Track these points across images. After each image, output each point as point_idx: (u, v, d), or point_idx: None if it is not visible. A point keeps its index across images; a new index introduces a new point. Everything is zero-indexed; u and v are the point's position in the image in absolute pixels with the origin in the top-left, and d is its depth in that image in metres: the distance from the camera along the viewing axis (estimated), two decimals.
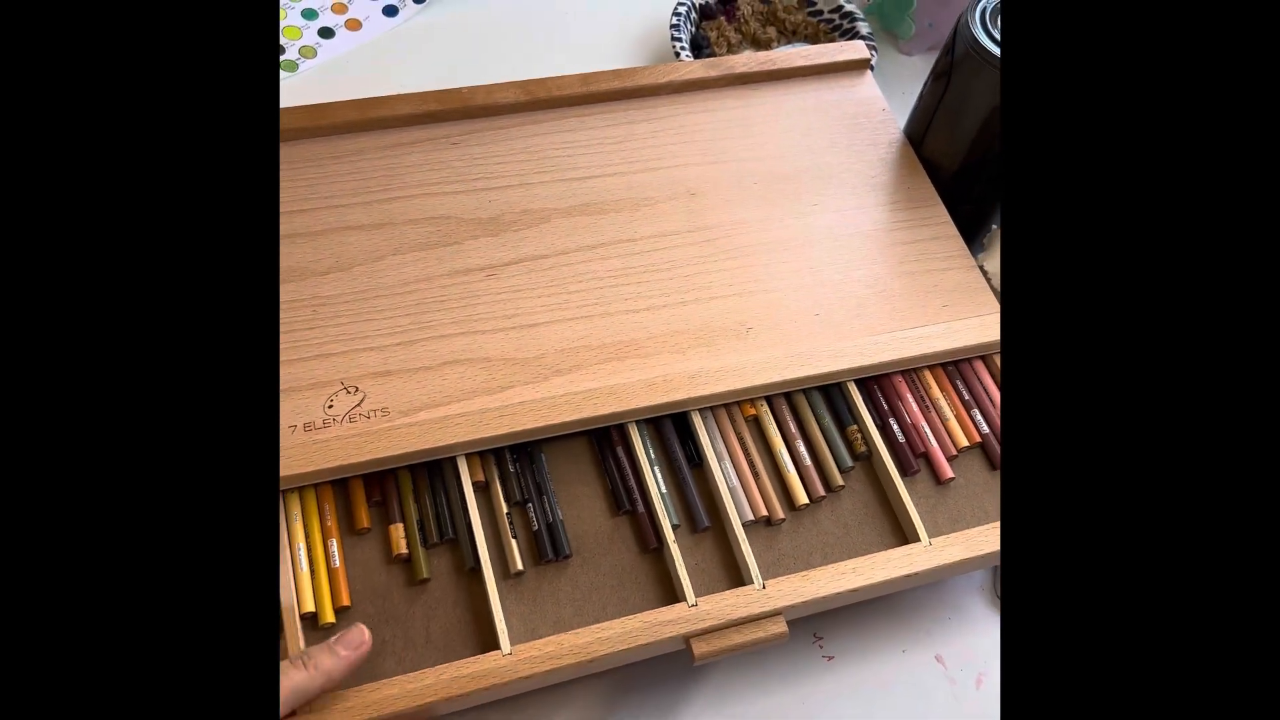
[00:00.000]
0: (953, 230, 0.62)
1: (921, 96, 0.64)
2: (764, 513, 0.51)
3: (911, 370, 0.57)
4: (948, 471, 0.54)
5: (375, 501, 0.50)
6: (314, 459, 0.48)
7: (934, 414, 0.56)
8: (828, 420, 0.55)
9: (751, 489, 0.52)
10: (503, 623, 0.46)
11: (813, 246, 0.60)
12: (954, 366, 0.58)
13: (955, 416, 0.56)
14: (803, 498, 0.52)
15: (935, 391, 0.56)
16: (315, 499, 0.49)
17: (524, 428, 0.50)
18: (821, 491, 0.53)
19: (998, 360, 0.57)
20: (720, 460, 0.53)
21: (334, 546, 0.48)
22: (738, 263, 0.59)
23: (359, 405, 0.51)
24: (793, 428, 0.55)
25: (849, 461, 0.54)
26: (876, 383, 0.56)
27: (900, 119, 0.67)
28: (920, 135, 0.64)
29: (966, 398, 0.57)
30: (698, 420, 0.54)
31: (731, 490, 0.52)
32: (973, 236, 0.62)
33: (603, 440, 0.53)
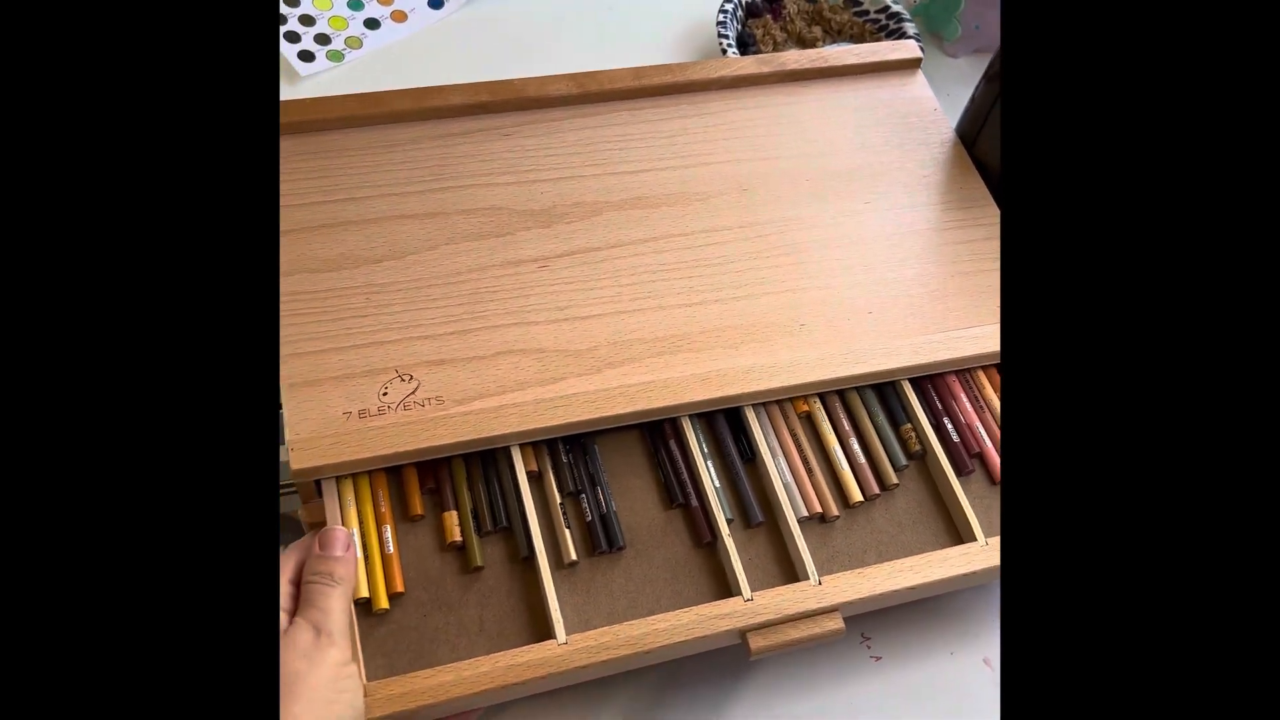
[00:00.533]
0: None
1: (974, 98, 0.64)
2: (818, 509, 0.51)
3: (965, 370, 0.56)
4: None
5: (429, 489, 0.50)
6: (368, 445, 0.48)
7: (988, 414, 0.55)
8: (881, 418, 0.55)
9: (805, 485, 0.52)
10: (557, 612, 0.46)
11: (865, 244, 0.60)
12: None
13: None
14: (857, 495, 0.52)
15: (989, 392, 0.56)
16: (369, 485, 0.49)
17: (577, 419, 0.50)
18: (876, 489, 0.53)
19: None
20: (774, 456, 0.53)
21: (388, 533, 0.48)
22: (790, 259, 0.59)
23: (414, 393, 0.50)
24: (846, 425, 0.54)
25: (903, 460, 0.53)
26: (930, 382, 0.56)
27: (949, 120, 0.67)
28: (973, 136, 0.64)
29: None
30: (751, 415, 0.53)
31: (786, 486, 0.52)
32: None
33: (655, 433, 0.53)
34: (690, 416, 0.53)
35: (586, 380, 0.52)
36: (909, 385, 0.55)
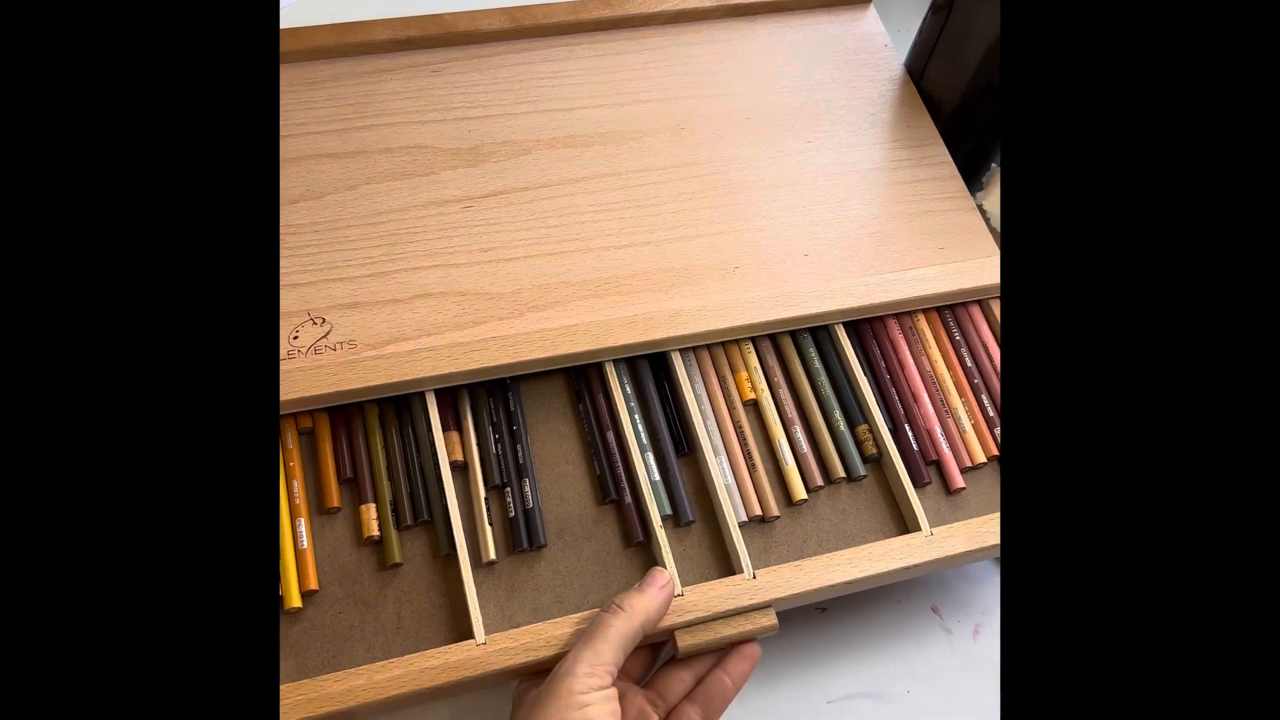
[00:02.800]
0: (952, 170, 0.59)
1: (921, 30, 0.61)
2: (757, 511, 0.49)
3: (905, 313, 0.54)
4: (959, 481, 0.51)
5: (346, 479, 0.47)
6: None
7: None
8: (838, 416, 0.51)
9: (746, 485, 0.49)
10: (477, 611, 0.44)
11: (805, 185, 0.58)
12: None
13: (973, 427, 0.52)
14: (801, 493, 0.49)
15: (954, 400, 0.53)
16: (284, 475, 0.47)
17: (495, 364, 0.48)
18: (820, 482, 0.50)
19: (995, 308, 0.55)
20: (715, 454, 0.50)
21: (302, 526, 0.46)
22: (727, 200, 0.56)
23: (325, 337, 0.49)
24: (792, 412, 0.51)
25: (860, 469, 0.50)
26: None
27: (899, 56, 0.64)
28: (921, 69, 0.61)
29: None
30: (691, 404, 0.50)
31: (726, 487, 0.49)
32: (972, 176, 0.60)
33: (581, 385, 0.51)
34: (622, 386, 0.51)
35: (507, 324, 0.50)
36: (843, 332, 0.53)
